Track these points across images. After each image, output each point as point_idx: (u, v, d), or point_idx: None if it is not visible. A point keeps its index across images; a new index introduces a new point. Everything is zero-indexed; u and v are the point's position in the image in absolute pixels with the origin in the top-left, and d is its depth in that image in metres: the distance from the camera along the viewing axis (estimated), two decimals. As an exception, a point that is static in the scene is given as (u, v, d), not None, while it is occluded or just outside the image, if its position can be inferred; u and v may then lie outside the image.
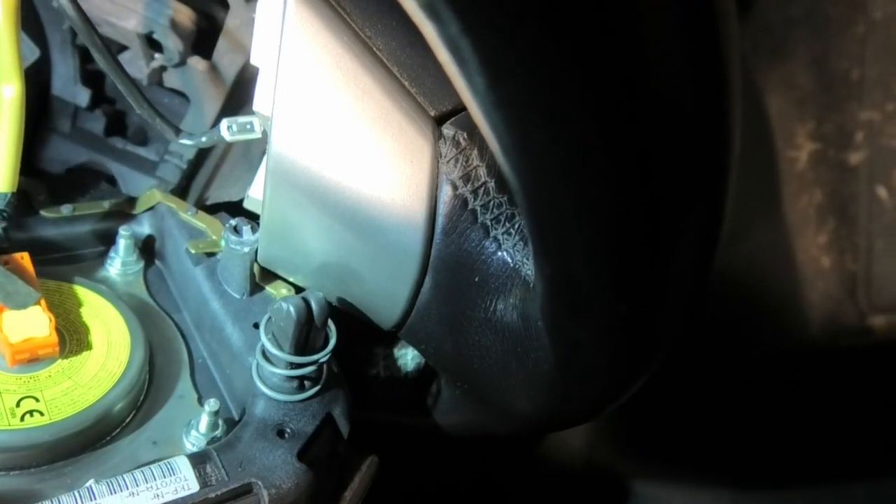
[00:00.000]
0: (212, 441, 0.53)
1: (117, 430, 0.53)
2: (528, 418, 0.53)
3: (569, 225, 0.37)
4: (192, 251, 0.63)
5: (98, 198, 0.67)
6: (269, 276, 0.61)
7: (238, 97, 0.77)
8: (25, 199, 0.63)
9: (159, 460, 0.49)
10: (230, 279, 0.60)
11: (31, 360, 0.51)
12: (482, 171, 0.48)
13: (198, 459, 0.49)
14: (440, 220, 0.49)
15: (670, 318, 0.44)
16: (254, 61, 0.52)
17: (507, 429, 0.62)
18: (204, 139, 0.59)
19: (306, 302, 0.50)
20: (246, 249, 0.58)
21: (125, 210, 0.66)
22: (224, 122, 0.57)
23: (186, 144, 0.60)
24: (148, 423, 0.55)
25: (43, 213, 0.64)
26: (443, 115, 0.50)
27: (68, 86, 0.77)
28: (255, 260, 0.59)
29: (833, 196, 1.06)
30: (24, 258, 0.55)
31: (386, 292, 0.53)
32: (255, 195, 0.60)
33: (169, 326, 0.62)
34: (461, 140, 0.49)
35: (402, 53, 0.49)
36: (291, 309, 0.50)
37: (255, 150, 0.76)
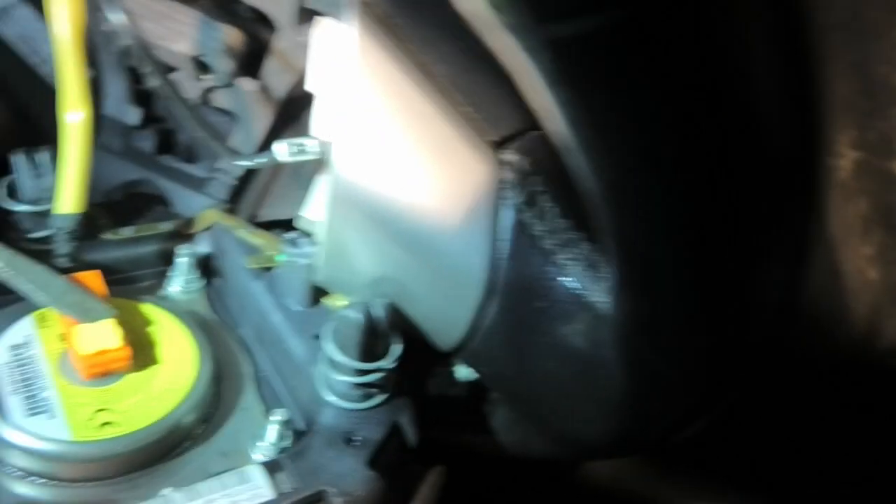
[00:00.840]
0: (280, 452, 0.53)
1: (187, 443, 0.54)
2: (591, 444, 0.52)
3: (663, 260, 0.36)
4: (251, 266, 0.64)
5: (154, 219, 0.69)
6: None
7: (285, 117, 0.78)
8: (89, 223, 0.65)
9: (229, 471, 0.49)
10: (289, 292, 0.61)
11: (104, 373, 0.52)
12: (546, 197, 0.48)
13: (271, 468, 0.49)
14: (503, 246, 0.49)
15: (753, 349, 0.44)
16: (309, 87, 0.53)
17: (564, 453, 0.61)
18: (259, 160, 0.60)
19: (372, 308, 0.51)
20: (304, 261, 0.58)
21: (183, 230, 0.68)
22: (281, 144, 0.58)
23: (243, 166, 0.62)
24: (216, 436, 0.55)
25: (105, 235, 0.65)
26: (503, 140, 0.50)
27: (119, 105, 0.79)
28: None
29: (878, 205, 1.04)
30: (95, 275, 0.57)
31: (446, 316, 0.53)
32: (308, 215, 0.61)
33: (232, 341, 0.63)
34: (525, 165, 0.49)
35: (460, 79, 0.49)
36: (358, 316, 0.50)
37: (305, 170, 0.77)
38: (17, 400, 0.50)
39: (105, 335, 0.52)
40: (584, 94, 0.32)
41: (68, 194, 0.57)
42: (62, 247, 0.58)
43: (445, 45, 0.49)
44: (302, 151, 0.58)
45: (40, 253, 0.58)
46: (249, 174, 0.81)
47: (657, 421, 0.47)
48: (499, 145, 0.49)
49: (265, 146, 0.67)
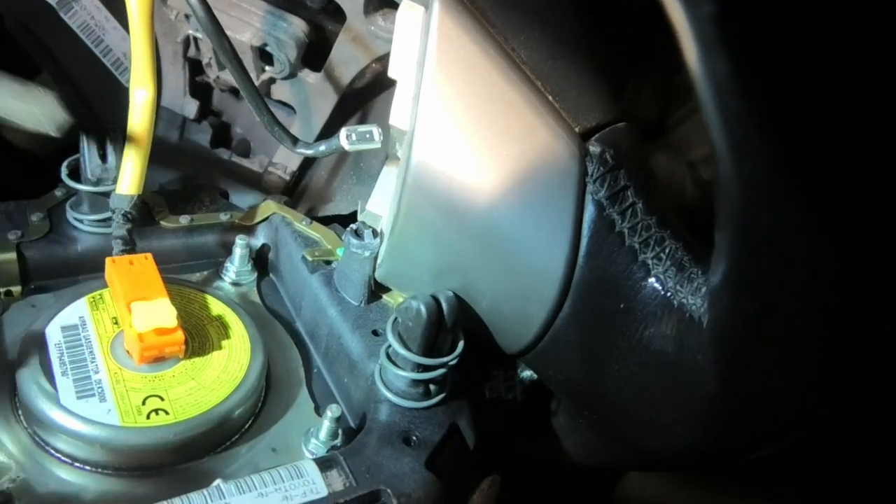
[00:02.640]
0: (331, 449, 0.51)
1: (237, 436, 0.52)
2: (664, 454, 0.49)
3: (797, 256, 0.33)
4: (309, 259, 0.62)
5: (211, 210, 0.67)
6: (383, 286, 0.60)
7: (345, 110, 0.77)
8: (146, 210, 0.64)
9: (282, 466, 0.47)
10: (348, 286, 0.58)
11: (158, 356, 0.51)
12: (630, 192, 0.45)
13: (324, 464, 0.46)
14: (584, 243, 0.46)
15: (867, 365, 0.40)
16: (392, 74, 0.51)
17: (630, 463, 0.58)
18: (323, 148, 0.58)
19: (437, 301, 0.48)
20: (367, 254, 0.56)
21: (241, 221, 0.66)
22: (343, 131, 0.57)
23: (304, 154, 0.60)
24: (266, 431, 0.53)
25: (162, 223, 0.64)
26: (587, 131, 0.47)
27: (177, 98, 0.79)
28: (374, 270, 0.57)
29: None
30: (147, 258, 0.55)
31: (518, 316, 0.50)
32: (373, 209, 0.59)
33: (284, 335, 0.61)
34: (609, 158, 0.46)
35: (545, 66, 0.47)
36: (422, 307, 0.48)
37: (364, 165, 0.76)
38: (68, 382, 0.49)
39: (162, 315, 0.50)
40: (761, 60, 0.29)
41: (129, 175, 0.56)
42: (119, 228, 0.57)
43: (531, 30, 0.46)
44: (365, 140, 0.56)
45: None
46: (304, 170, 0.80)
47: (744, 433, 0.43)
48: (583, 137, 0.46)
49: (321, 139, 0.65)
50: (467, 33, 0.46)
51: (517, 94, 0.46)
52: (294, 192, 0.79)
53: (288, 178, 0.79)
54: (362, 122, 0.78)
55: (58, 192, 0.63)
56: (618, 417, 0.49)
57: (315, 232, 0.65)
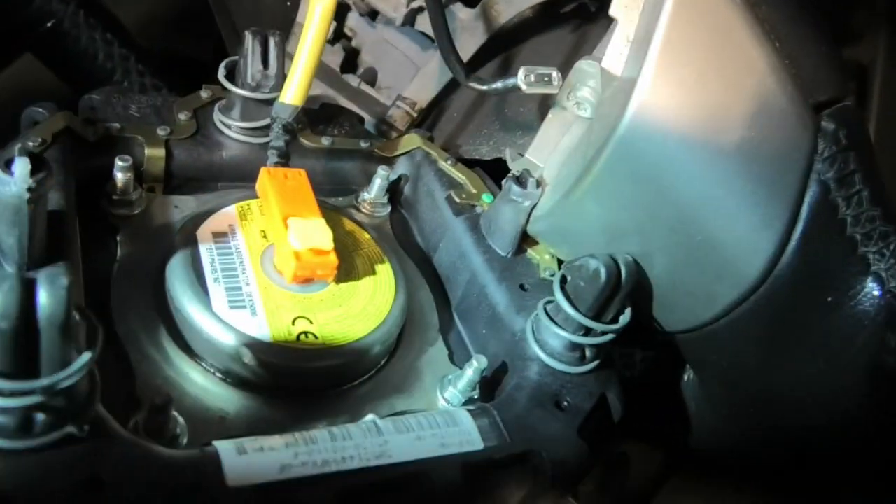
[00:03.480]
0: (469, 401, 0.49)
1: (373, 371, 0.50)
2: (827, 460, 0.46)
3: None
4: (457, 200, 0.59)
5: (351, 135, 0.65)
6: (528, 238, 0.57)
7: (491, 51, 0.73)
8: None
9: (413, 412, 0.45)
10: (497, 234, 0.56)
11: (310, 277, 0.48)
12: (858, 177, 0.42)
13: (477, 415, 0.44)
14: (801, 224, 0.42)
15: None
16: (613, 13, 0.47)
17: (772, 458, 0.54)
18: (498, 85, 0.55)
19: (616, 263, 0.45)
20: (527, 203, 0.53)
21: (382, 151, 0.64)
22: (522, 71, 0.53)
23: (477, 89, 0.57)
24: (399, 373, 0.51)
25: (303, 140, 0.61)
26: (818, 105, 0.44)
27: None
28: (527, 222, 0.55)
29: None
30: (301, 174, 0.53)
31: (702, 292, 0.47)
32: (533, 157, 0.56)
33: (417, 274, 0.59)
34: (842, 137, 0.42)
35: (784, 27, 0.43)
36: (602, 268, 0.45)
37: (509, 111, 0.72)
38: (220, 290, 0.47)
39: (319, 236, 0.48)
40: None
41: (296, 85, 0.53)
42: (278, 139, 0.54)
43: None
44: (544, 83, 0.53)
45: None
46: (432, 109, 0.77)
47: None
48: (815, 110, 0.43)
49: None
50: None
51: (757, 51, 0.42)
52: (419, 128, 0.76)
53: (416, 114, 0.76)
54: (505, 66, 0.74)
55: (203, 94, 0.60)
56: (785, 414, 0.46)
57: (460, 173, 0.62)
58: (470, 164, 0.66)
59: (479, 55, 0.73)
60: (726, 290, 0.45)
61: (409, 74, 0.78)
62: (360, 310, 0.50)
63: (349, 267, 0.52)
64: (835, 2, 0.48)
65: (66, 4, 0.75)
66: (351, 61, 0.82)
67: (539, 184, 0.54)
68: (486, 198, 0.60)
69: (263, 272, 0.49)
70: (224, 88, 0.57)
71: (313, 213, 0.50)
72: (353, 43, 0.81)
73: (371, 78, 0.81)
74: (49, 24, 0.75)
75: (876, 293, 0.40)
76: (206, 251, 0.49)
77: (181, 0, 0.99)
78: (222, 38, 0.80)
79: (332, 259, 0.48)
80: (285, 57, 0.57)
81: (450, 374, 0.50)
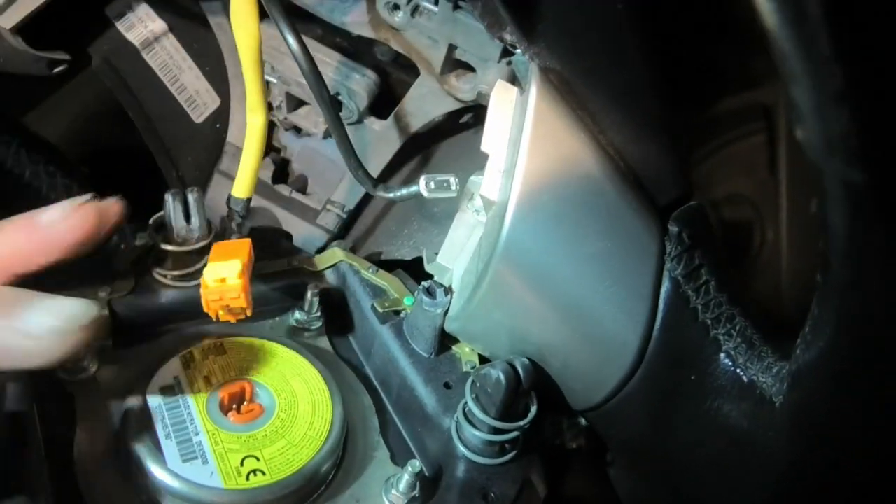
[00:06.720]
0: (411, 501, 0.55)
1: (323, 488, 0.56)
2: None
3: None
4: (379, 309, 0.65)
5: (274, 253, 0.70)
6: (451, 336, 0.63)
7: (403, 159, 0.79)
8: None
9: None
10: (419, 338, 0.62)
11: (225, 306, 0.54)
12: (704, 270, 0.49)
13: (414, 521, 0.50)
14: (660, 316, 0.49)
15: None
16: (484, 148, 0.53)
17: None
18: (402, 192, 0.61)
19: (514, 368, 0.52)
20: (439, 311, 0.59)
21: (307, 267, 0.69)
22: (423, 179, 0.59)
23: (384, 196, 0.63)
24: (347, 482, 0.56)
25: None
26: (666, 207, 0.51)
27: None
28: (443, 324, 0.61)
29: None
30: (245, 242, 0.58)
31: (591, 379, 0.54)
32: (443, 261, 0.62)
33: (355, 381, 0.64)
34: (685, 238, 0.49)
35: (627, 147, 0.50)
36: (501, 376, 0.51)
37: (425, 211, 0.79)
38: (172, 445, 0.52)
39: (227, 269, 0.54)
40: None
41: (244, 181, 0.64)
42: (236, 228, 0.65)
43: (617, 113, 0.49)
44: (443, 188, 0.59)
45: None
46: (361, 210, 0.83)
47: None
48: (664, 211, 0.50)
49: (379, 182, 0.68)
50: (560, 117, 0.50)
51: (605, 175, 0.49)
52: (349, 231, 0.83)
53: (345, 216, 0.82)
54: (420, 168, 0.81)
55: (138, 242, 0.66)
56: (681, 479, 0.52)
57: (382, 280, 0.68)
58: (393, 265, 0.72)
59: (395, 161, 0.79)
60: (609, 376, 0.52)
61: (336, 178, 0.84)
62: (302, 436, 0.55)
63: (288, 395, 0.58)
64: (737, 47, 0.53)
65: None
66: (283, 171, 0.88)
67: (448, 291, 0.60)
68: (408, 301, 0.66)
69: (210, 419, 0.55)
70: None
71: (236, 258, 0.56)
72: (283, 154, 0.88)
73: (302, 185, 0.87)
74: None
75: (729, 369, 0.47)
76: (157, 409, 0.54)
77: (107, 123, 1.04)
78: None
79: (236, 284, 0.54)
80: (204, 209, 0.62)
81: (394, 474, 0.56)
